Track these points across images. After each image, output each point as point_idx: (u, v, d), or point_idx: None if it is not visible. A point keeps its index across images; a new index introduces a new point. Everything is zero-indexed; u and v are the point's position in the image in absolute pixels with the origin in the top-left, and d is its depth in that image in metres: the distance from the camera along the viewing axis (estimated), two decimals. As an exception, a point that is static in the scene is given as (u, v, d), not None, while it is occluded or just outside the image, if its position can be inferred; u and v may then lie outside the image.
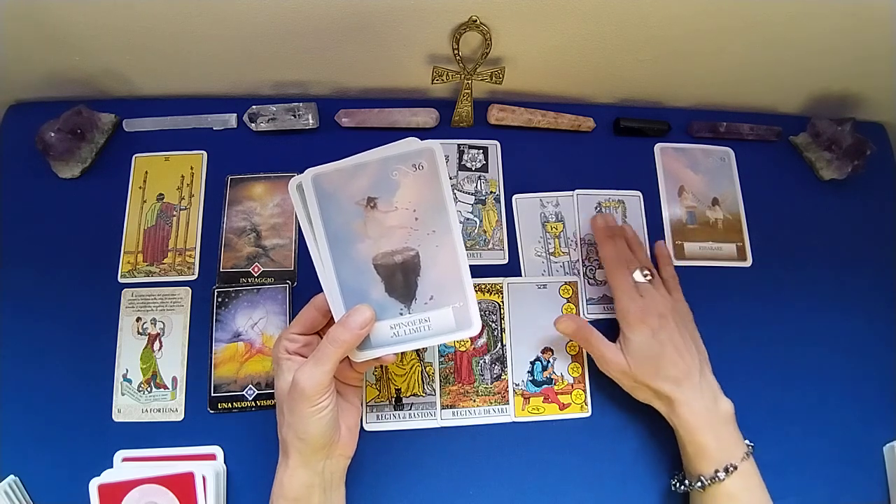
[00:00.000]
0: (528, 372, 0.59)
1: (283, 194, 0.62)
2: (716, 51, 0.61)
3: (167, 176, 0.62)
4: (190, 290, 0.59)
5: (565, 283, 0.61)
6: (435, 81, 0.60)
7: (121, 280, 0.59)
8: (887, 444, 0.60)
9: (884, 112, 0.72)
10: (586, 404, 0.59)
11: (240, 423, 0.56)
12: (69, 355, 0.57)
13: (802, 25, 0.58)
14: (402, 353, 0.58)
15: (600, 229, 0.60)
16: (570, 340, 0.60)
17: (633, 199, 0.66)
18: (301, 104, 0.63)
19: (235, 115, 0.64)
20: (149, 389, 0.56)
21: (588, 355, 0.59)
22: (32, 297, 0.58)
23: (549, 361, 0.59)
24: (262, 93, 0.67)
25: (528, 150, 0.66)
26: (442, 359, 0.59)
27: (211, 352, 0.57)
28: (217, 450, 0.55)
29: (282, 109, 0.63)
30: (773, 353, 0.62)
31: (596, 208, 0.65)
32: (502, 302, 0.60)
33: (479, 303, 0.60)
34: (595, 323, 0.60)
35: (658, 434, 0.56)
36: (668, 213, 0.66)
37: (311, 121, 0.63)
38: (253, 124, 0.63)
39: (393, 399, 0.57)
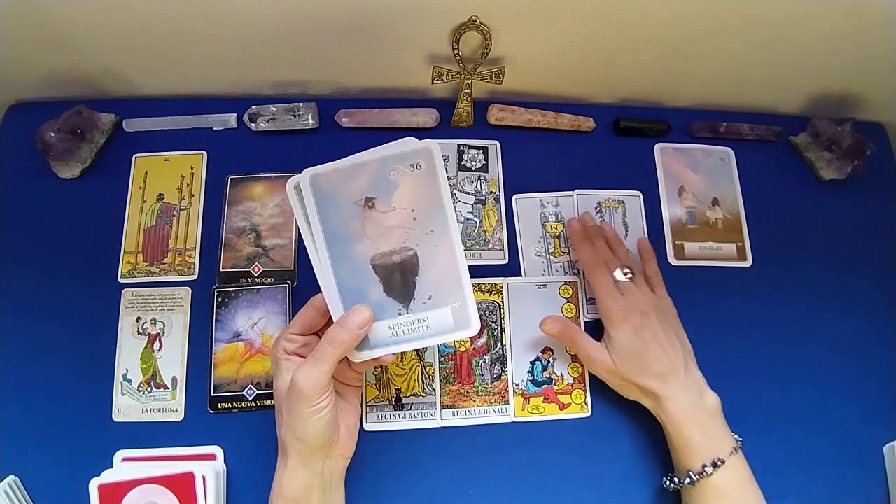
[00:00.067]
0: (528, 372, 0.59)
1: (283, 194, 0.62)
2: (716, 51, 0.61)
3: (167, 176, 0.62)
4: (190, 290, 0.59)
5: (565, 283, 0.61)
6: (435, 81, 0.60)
7: (121, 280, 0.59)
8: (887, 444, 0.60)
9: (884, 112, 0.72)
10: (586, 404, 0.59)
11: (240, 423, 0.56)
12: (69, 355, 0.57)
13: (802, 25, 0.58)
14: (402, 354, 0.58)
15: (575, 233, 0.60)
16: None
17: (633, 199, 0.66)
18: (301, 104, 0.63)
19: (235, 115, 0.65)
20: (149, 389, 0.56)
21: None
22: (32, 297, 0.58)
23: (549, 361, 0.59)
24: (262, 93, 0.67)
25: (528, 150, 0.66)
26: (442, 359, 0.59)
27: (211, 352, 0.57)
28: (217, 450, 0.55)
29: (282, 109, 0.63)
30: (773, 353, 0.62)
31: (596, 208, 0.65)
32: (502, 302, 0.60)
33: (480, 303, 0.60)
34: (593, 323, 0.60)
35: (658, 434, 0.56)
36: (668, 213, 0.66)
37: (311, 121, 0.63)
38: (253, 124, 0.63)
39: (393, 399, 0.57)
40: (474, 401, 0.58)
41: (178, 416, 0.56)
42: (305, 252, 0.45)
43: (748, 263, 0.65)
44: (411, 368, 0.58)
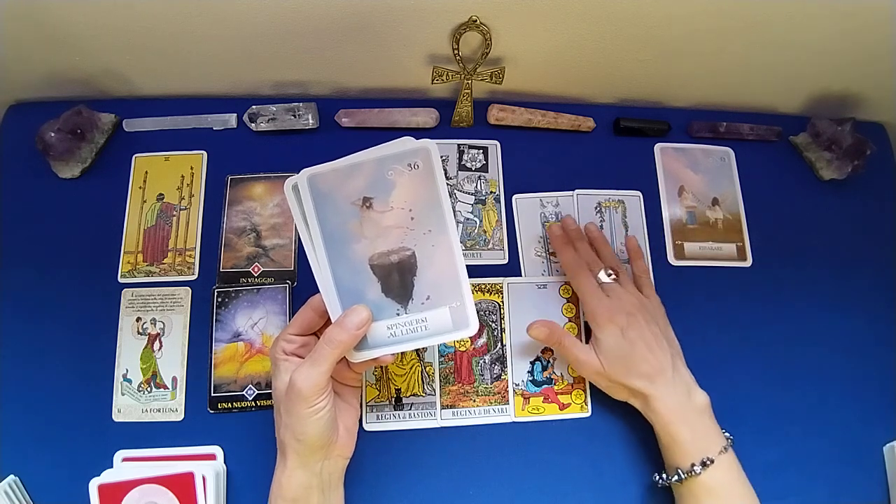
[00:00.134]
0: (528, 372, 0.59)
1: (282, 194, 0.61)
2: (716, 51, 0.61)
3: (167, 176, 0.63)
4: (190, 290, 0.59)
5: (565, 283, 0.61)
6: (435, 81, 0.60)
7: (121, 280, 0.59)
8: (887, 444, 0.59)
9: (884, 112, 0.72)
10: (586, 404, 0.59)
11: (240, 423, 0.56)
12: (69, 355, 0.57)
13: (802, 26, 0.58)
14: (402, 354, 0.58)
15: (556, 238, 0.60)
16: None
17: (633, 199, 0.66)
18: (301, 104, 0.63)
19: (235, 115, 0.65)
20: (149, 389, 0.56)
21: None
22: (32, 297, 0.58)
23: (549, 361, 0.59)
24: (262, 93, 0.67)
25: (528, 150, 0.66)
26: (442, 359, 0.59)
27: (211, 352, 0.57)
28: (217, 450, 0.55)
29: (282, 109, 0.63)
30: (773, 353, 0.62)
31: (596, 208, 0.65)
32: (502, 302, 0.60)
33: (479, 303, 0.60)
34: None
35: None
36: (668, 213, 0.66)
37: (311, 121, 0.63)
38: (253, 124, 0.63)
39: (393, 399, 0.57)
40: (474, 401, 0.58)
41: (178, 416, 0.56)
42: (305, 252, 0.45)
43: (748, 263, 0.65)
44: (411, 368, 0.58)
